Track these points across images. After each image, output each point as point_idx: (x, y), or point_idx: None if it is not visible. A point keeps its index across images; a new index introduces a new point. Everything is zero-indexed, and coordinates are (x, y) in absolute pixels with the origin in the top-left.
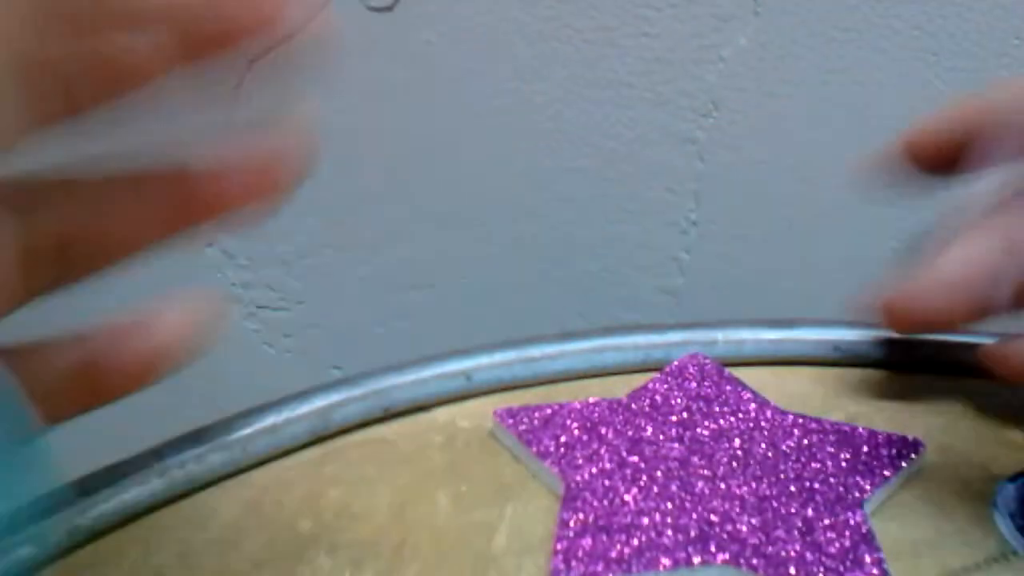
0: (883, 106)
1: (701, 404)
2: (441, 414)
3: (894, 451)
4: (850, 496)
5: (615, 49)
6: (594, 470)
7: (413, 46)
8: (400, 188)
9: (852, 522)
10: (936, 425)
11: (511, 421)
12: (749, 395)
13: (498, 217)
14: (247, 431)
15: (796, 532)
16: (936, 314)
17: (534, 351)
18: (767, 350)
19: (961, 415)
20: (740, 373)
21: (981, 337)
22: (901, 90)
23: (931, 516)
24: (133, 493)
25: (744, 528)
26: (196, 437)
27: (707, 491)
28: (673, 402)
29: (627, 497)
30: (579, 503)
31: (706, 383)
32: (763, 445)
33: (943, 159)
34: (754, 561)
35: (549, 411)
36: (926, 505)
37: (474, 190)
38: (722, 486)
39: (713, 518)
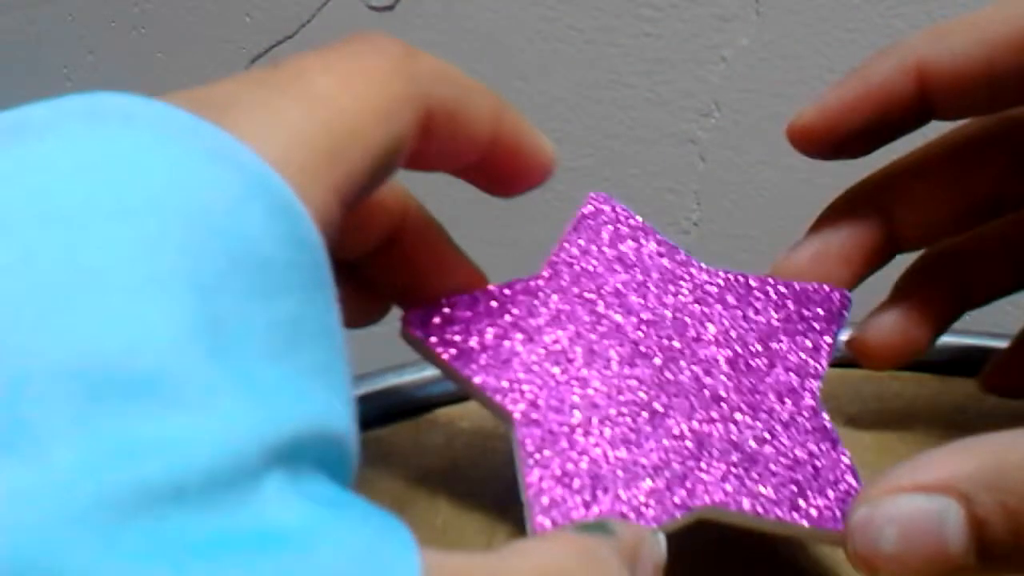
0: None
1: (628, 275)
2: (441, 414)
3: (823, 308)
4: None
5: (616, 49)
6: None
7: (413, 46)
8: None
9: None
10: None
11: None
12: (661, 253)
13: (498, 217)
14: None
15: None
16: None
17: None
18: None
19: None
20: None
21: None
22: None
23: None
24: None
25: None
26: None
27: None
28: (600, 277)
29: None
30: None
31: (620, 243)
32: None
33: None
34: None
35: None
36: None
37: (473, 190)
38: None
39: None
